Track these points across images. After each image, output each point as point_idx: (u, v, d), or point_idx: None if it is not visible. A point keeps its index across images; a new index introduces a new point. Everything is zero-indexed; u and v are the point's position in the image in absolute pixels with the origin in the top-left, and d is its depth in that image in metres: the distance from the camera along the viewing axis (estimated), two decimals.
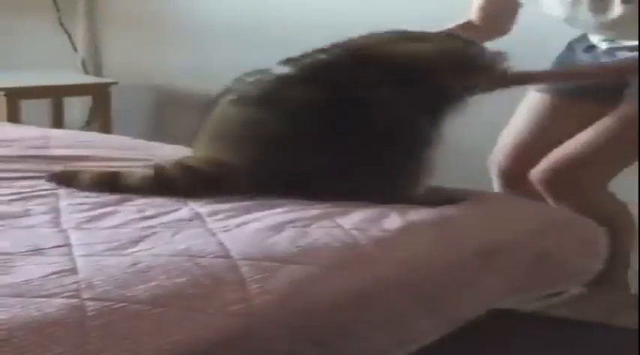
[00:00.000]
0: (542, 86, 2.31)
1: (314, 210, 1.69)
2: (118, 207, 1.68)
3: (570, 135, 2.21)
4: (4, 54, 4.34)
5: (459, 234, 1.70)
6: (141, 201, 1.72)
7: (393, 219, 1.67)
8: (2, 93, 3.62)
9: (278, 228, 1.58)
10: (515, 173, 2.29)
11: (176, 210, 1.67)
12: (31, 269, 1.31)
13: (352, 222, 1.64)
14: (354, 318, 1.42)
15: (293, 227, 1.59)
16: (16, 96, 3.63)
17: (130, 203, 1.71)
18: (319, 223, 1.63)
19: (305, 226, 1.60)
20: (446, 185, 1.93)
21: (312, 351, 1.36)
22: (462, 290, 1.63)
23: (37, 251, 1.41)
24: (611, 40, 2.20)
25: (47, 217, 1.62)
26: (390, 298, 1.49)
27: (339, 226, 1.62)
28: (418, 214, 1.72)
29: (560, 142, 2.22)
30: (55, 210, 1.66)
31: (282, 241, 1.51)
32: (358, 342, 1.42)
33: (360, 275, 1.48)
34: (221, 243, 1.48)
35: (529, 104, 2.34)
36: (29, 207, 1.68)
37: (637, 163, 2.23)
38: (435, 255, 1.61)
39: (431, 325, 1.55)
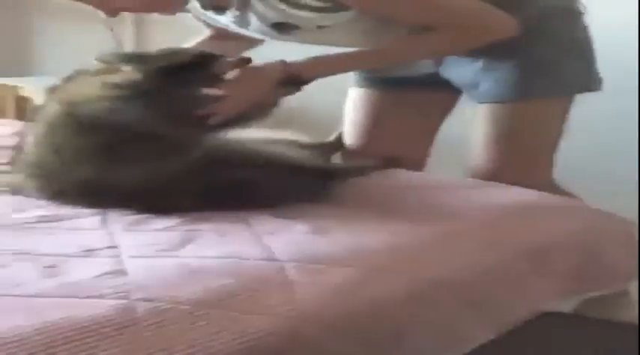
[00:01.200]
0: (362, 81, 2.24)
1: (358, 211, 1.70)
2: (162, 213, 1.68)
3: (402, 127, 2.21)
4: (53, 58, 4.40)
5: (504, 235, 1.70)
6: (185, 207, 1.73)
7: (439, 221, 1.67)
8: None
9: (323, 230, 1.59)
10: None
11: (221, 215, 1.68)
12: (82, 271, 1.33)
13: (396, 223, 1.64)
14: (402, 321, 1.42)
15: (338, 229, 1.60)
16: None
17: (172, 209, 1.71)
18: (364, 225, 1.63)
19: (350, 228, 1.61)
20: None
21: (362, 353, 1.36)
22: (510, 292, 1.62)
23: (87, 252, 1.43)
24: None
25: (96, 219, 1.64)
26: (437, 301, 1.49)
27: (384, 227, 1.62)
28: (463, 216, 1.72)
29: (395, 136, 2.22)
30: (103, 213, 1.68)
31: (328, 243, 1.52)
32: (407, 344, 1.42)
33: (407, 277, 1.48)
34: (267, 246, 1.49)
35: (353, 104, 2.28)
36: (78, 210, 1.70)
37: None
38: (481, 256, 1.61)
39: (479, 328, 1.55)
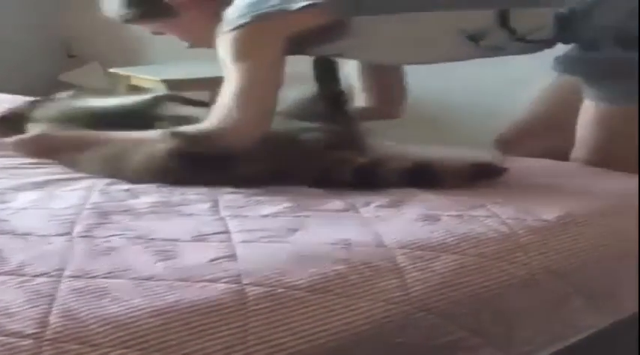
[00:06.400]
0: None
1: (467, 200, 1.68)
2: (272, 197, 1.70)
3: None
4: (164, 47, 4.47)
5: (626, 224, 1.65)
6: (295, 192, 1.74)
7: (551, 209, 1.63)
8: (165, 85, 3.75)
9: (433, 217, 1.57)
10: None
11: (330, 201, 1.68)
12: (195, 255, 1.35)
13: (508, 212, 1.61)
14: (514, 308, 1.40)
15: (448, 216, 1.58)
16: (176, 88, 3.74)
17: (282, 193, 1.73)
18: (474, 212, 1.61)
19: (459, 216, 1.59)
20: None
21: (475, 341, 1.35)
22: (627, 283, 1.59)
23: (198, 237, 1.45)
24: None
25: (206, 206, 1.66)
26: (549, 289, 1.47)
27: (495, 215, 1.59)
28: (579, 203, 1.68)
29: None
30: (213, 199, 1.69)
31: (438, 230, 1.50)
32: (520, 332, 1.40)
33: (518, 265, 1.46)
34: (376, 233, 1.49)
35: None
36: (189, 196, 1.72)
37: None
38: (598, 245, 1.58)
39: (592, 317, 1.52)
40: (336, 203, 1.68)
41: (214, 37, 1.95)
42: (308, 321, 1.21)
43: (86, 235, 1.44)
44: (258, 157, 1.81)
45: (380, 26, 1.93)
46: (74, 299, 1.17)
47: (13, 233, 1.44)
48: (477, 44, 1.96)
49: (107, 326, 1.11)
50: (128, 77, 4.10)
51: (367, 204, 1.66)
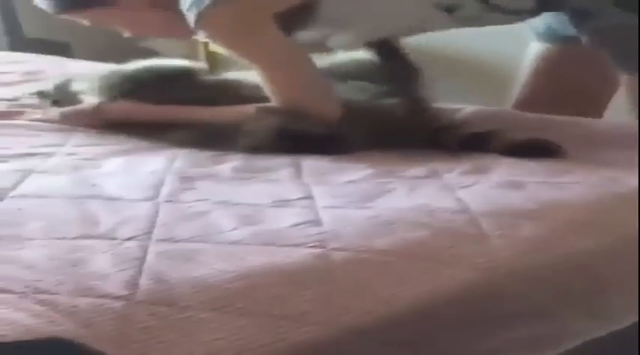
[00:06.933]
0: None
1: (551, 165, 1.66)
2: (355, 164, 1.70)
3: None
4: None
5: None
6: (377, 158, 1.74)
7: (632, 179, 1.59)
8: None
9: (517, 184, 1.56)
10: None
11: (412, 168, 1.68)
12: (278, 220, 1.35)
13: (593, 178, 1.59)
14: (602, 276, 1.39)
15: (534, 183, 1.56)
16: None
17: (364, 160, 1.73)
18: (559, 178, 1.59)
19: (545, 182, 1.57)
20: None
21: (561, 308, 1.33)
22: None
23: (282, 202, 1.45)
24: None
25: (289, 171, 1.66)
26: (634, 256, 1.44)
27: (580, 182, 1.57)
28: None
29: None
30: (296, 165, 1.70)
31: (522, 197, 1.49)
32: (607, 299, 1.38)
33: (604, 232, 1.43)
34: (459, 199, 1.48)
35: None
36: (272, 162, 1.73)
37: None
38: None
39: None
40: (419, 169, 1.67)
41: (157, 26, 1.93)
42: (391, 286, 1.20)
43: (172, 199, 1.46)
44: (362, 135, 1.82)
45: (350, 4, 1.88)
46: (162, 262, 1.18)
47: (103, 197, 1.47)
48: (452, 15, 1.90)
49: (195, 289, 1.11)
50: (207, 43, 4.12)
51: (450, 170, 1.65)
